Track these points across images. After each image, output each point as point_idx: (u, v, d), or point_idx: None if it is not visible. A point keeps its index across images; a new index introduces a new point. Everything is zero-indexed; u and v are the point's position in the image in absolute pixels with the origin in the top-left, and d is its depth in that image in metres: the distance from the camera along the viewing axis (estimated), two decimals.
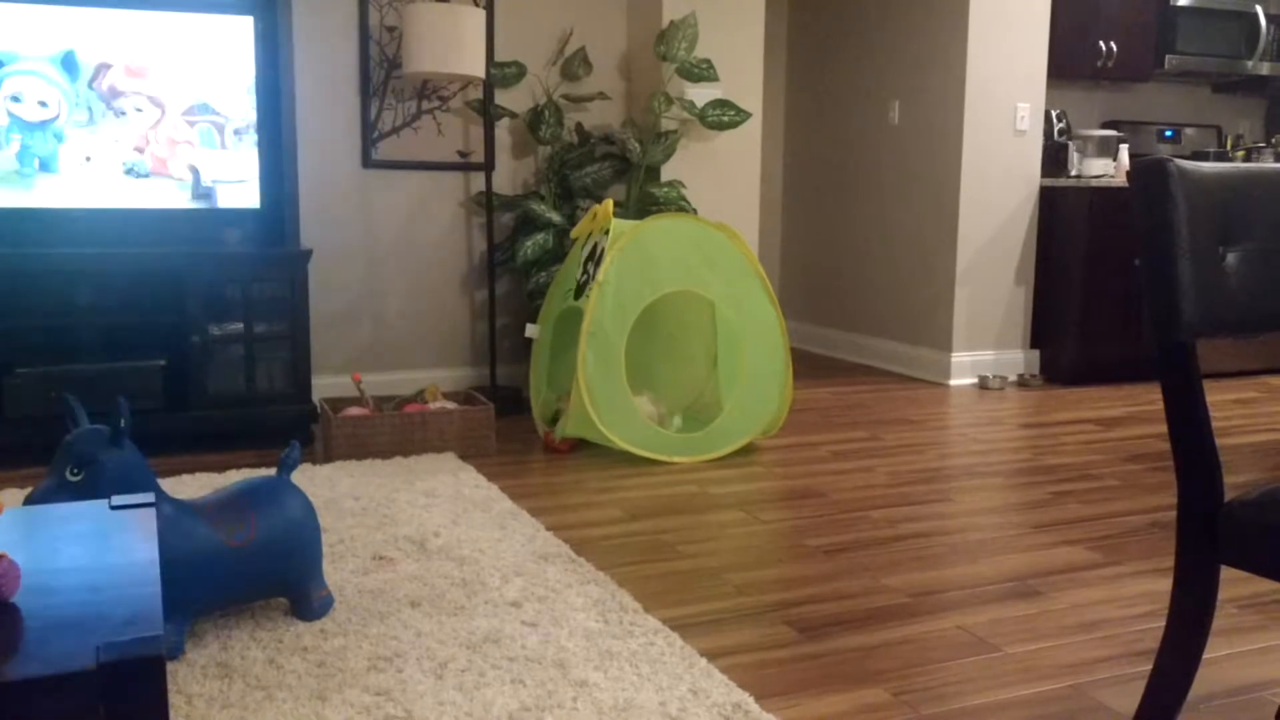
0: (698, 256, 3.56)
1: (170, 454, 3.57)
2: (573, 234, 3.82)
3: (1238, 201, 1.56)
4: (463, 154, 4.45)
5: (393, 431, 3.56)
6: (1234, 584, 2.49)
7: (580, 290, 3.57)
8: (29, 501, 1.87)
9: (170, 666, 1.98)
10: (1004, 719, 1.86)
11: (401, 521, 2.84)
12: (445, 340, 4.53)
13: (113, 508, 1.39)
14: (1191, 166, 1.51)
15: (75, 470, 1.91)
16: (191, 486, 3.17)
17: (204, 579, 2.02)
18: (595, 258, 3.55)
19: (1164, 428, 4.19)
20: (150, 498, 1.43)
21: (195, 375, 3.57)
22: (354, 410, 3.61)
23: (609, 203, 3.64)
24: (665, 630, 2.16)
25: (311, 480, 3.22)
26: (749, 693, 1.91)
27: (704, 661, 2.02)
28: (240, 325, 3.64)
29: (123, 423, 1.94)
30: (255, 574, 2.09)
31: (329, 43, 4.20)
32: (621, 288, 3.46)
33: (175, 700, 1.85)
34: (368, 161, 4.31)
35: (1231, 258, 1.56)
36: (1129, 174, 1.55)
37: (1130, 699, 1.94)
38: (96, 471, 1.91)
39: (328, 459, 3.50)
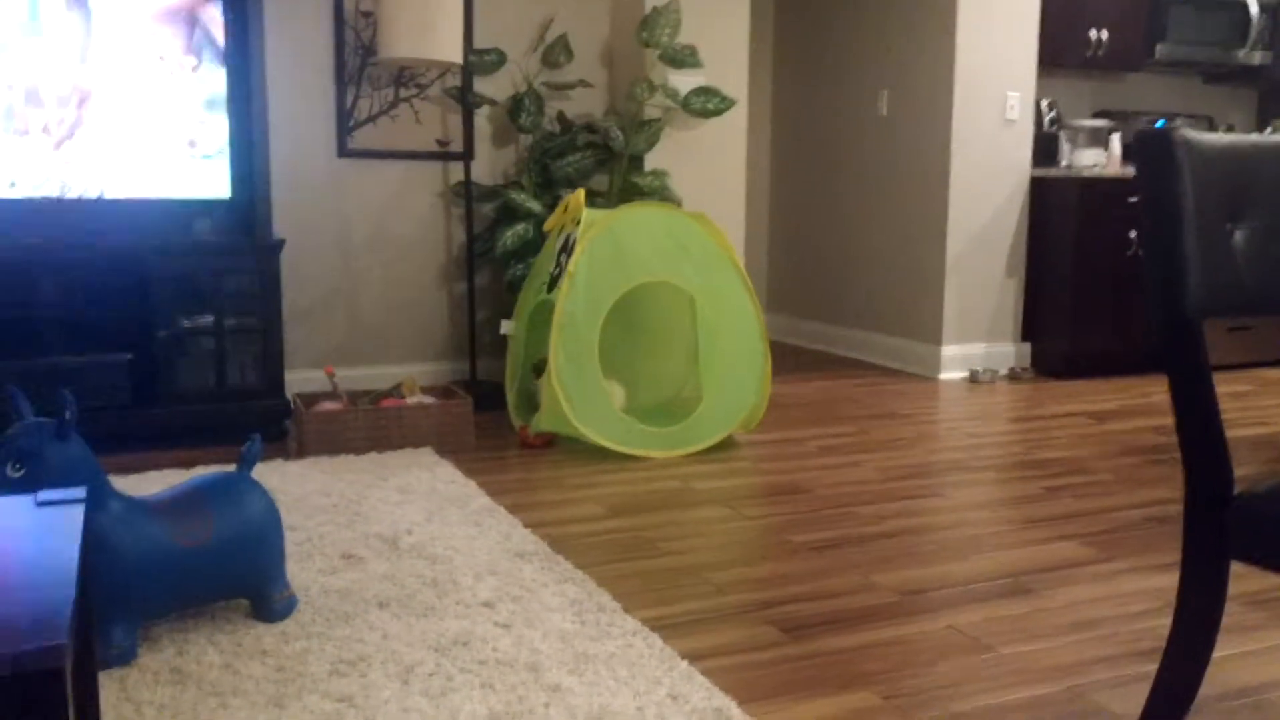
0: (672, 246, 3.46)
1: (137, 451, 3.46)
2: (545, 227, 3.72)
3: (1246, 175, 1.47)
4: (441, 143, 4.34)
5: (367, 427, 3.46)
6: (1238, 580, 2.41)
7: (553, 283, 3.47)
8: None
9: (120, 672, 1.87)
10: None
11: (373, 519, 2.74)
12: (423, 333, 4.42)
13: (39, 504, 1.28)
14: (1199, 137, 1.42)
15: (17, 465, 1.80)
16: (157, 483, 3.06)
17: (156, 580, 1.91)
18: (567, 249, 3.45)
19: (1159, 420, 4.11)
20: (81, 493, 1.32)
21: (163, 370, 3.46)
22: (327, 405, 3.51)
23: (580, 193, 3.54)
24: (644, 631, 2.06)
25: (282, 477, 3.11)
26: (731, 697, 1.81)
27: (684, 664, 1.92)
28: (210, 318, 3.53)
29: (68, 415, 1.84)
30: (212, 575, 1.99)
31: (302, 28, 4.09)
32: (593, 279, 3.36)
33: (123, 709, 1.74)
34: (343, 150, 4.20)
35: (1239, 234, 1.46)
36: (1134, 143, 1.45)
37: (1131, 701, 1.85)
38: (39, 467, 1.81)
39: (300, 455, 3.39)
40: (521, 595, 2.24)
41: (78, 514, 1.25)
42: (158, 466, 3.27)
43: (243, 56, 3.64)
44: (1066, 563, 2.54)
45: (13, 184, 3.40)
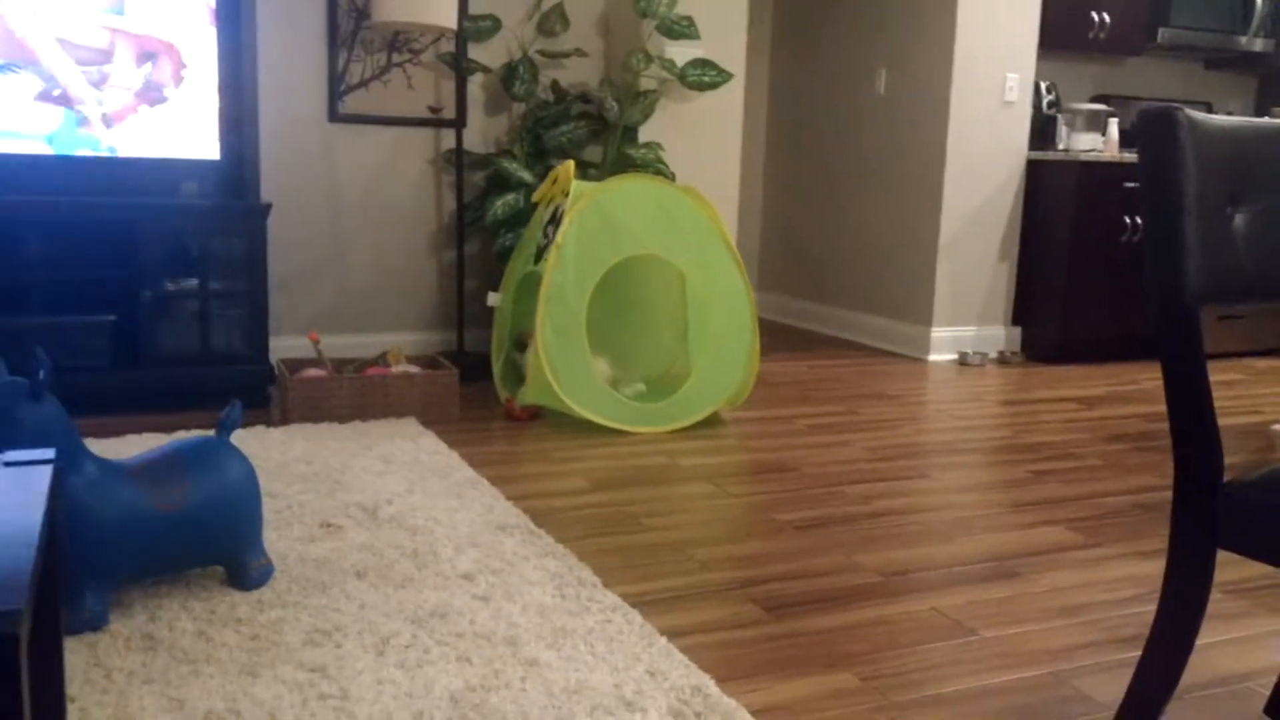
0: (662, 219, 3.42)
1: (118, 414, 3.42)
2: (534, 198, 3.68)
3: (1249, 158, 1.44)
4: (433, 109, 4.28)
5: (352, 395, 3.42)
6: (1222, 568, 2.39)
7: (540, 255, 3.43)
8: None
9: (91, 638, 1.84)
10: (980, 707, 1.76)
11: (354, 488, 2.71)
12: (411, 302, 4.38)
13: (5, 465, 1.25)
14: (1202, 118, 1.38)
15: None
16: (138, 446, 3.02)
17: (129, 544, 1.88)
18: (556, 221, 3.41)
19: (1147, 407, 4.10)
20: (50, 454, 1.29)
21: (146, 332, 3.41)
22: (311, 372, 3.47)
23: (569, 164, 3.49)
24: (624, 607, 2.04)
25: (263, 443, 3.08)
26: (710, 675, 1.79)
27: (664, 641, 1.90)
28: (195, 281, 3.48)
29: (41, 375, 1.80)
30: (187, 540, 1.96)
31: None
32: (581, 251, 3.32)
33: (93, 674, 1.72)
34: (334, 115, 4.15)
35: (1239, 218, 1.44)
36: (1136, 121, 1.42)
37: (1113, 687, 1.84)
38: (12, 427, 1.77)
39: (283, 422, 3.36)
40: (501, 568, 2.21)
41: (45, 475, 1.21)
42: (138, 430, 3.23)
43: (234, 16, 3.58)
44: (1052, 547, 2.53)
45: None
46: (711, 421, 3.58)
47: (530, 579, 2.16)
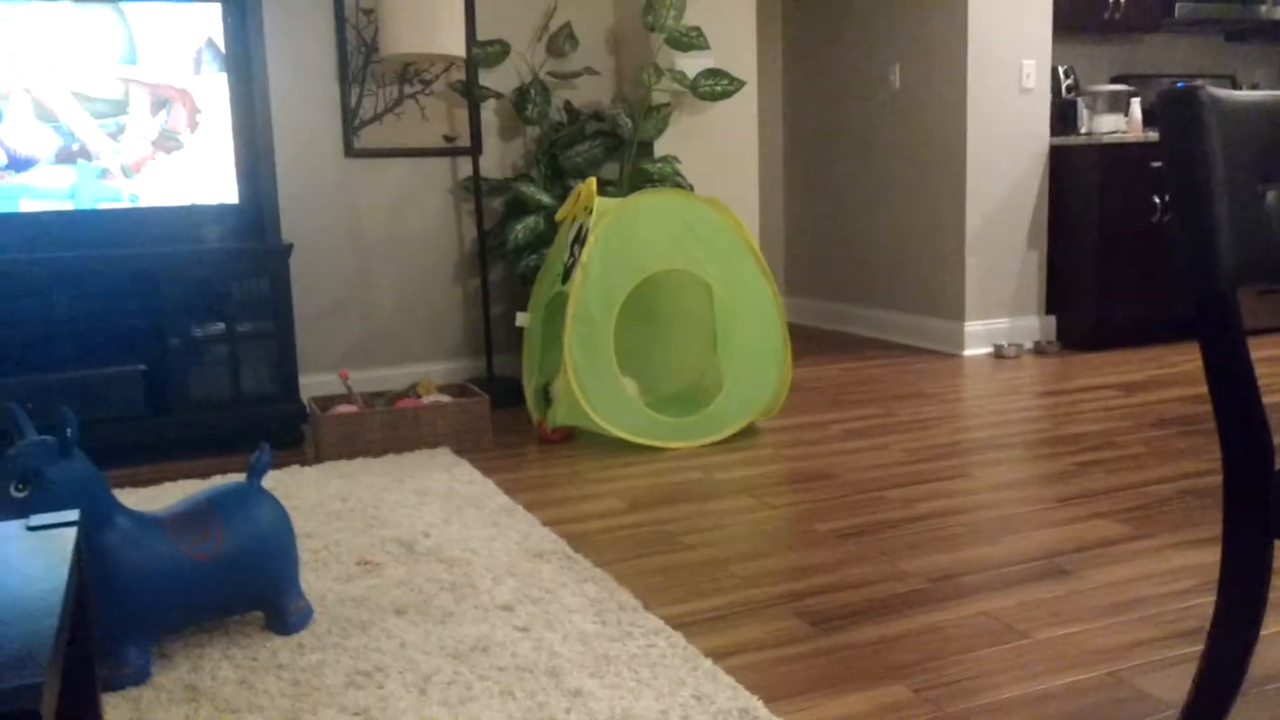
0: (686, 232, 3.39)
1: (154, 462, 3.44)
2: (557, 217, 3.67)
3: (1278, 134, 1.40)
4: (448, 138, 4.29)
5: (384, 428, 3.42)
6: None
7: (567, 274, 3.41)
8: None
9: (135, 692, 1.84)
10: (1037, 713, 1.71)
11: (390, 523, 2.70)
12: (438, 331, 4.38)
13: (30, 528, 1.24)
14: (1226, 94, 1.34)
15: (20, 486, 1.77)
16: (175, 495, 3.03)
17: (166, 596, 1.87)
18: (580, 239, 3.39)
19: (1190, 390, 4.01)
20: (74, 516, 1.28)
21: (177, 379, 3.43)
22: (342, 408, 3.47)
23: (591, 181, 3.48)
24: (667, 630, 2.01)
25: (298, 483, 3.08)
26: (757, 696, 1.75)
27: (709, 663, 1.87)
28: (221, 325, 3.49)
29: (69, 432, 1.80)
30: (223, 588, 1.95)
31: (303, 28, 4.04)
32: (606, 269, 3.30)
33: None
34: (350, 150, 4.16)
35: (1273, 195, 1.39)
36: (1156, 104, 1.38)
37: (1176, 684, 1.78)
38: (43, 486, 1.77)
39: (317, 460, 3.36)
40: (540, 597, 2.19)
41: (69, 538, 1.20)
42: (173, 478, 3.24)
43: (244, 60, 3.60)
44: (1102, 541, 2.47)
45: (21, 198, 3.37)
46: (746, 432, 3.54)
47: (570, 606, 2.14)
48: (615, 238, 3.33)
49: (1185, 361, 4.58)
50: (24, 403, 3.25)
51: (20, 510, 1.76)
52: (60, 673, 0.99)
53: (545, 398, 3.67)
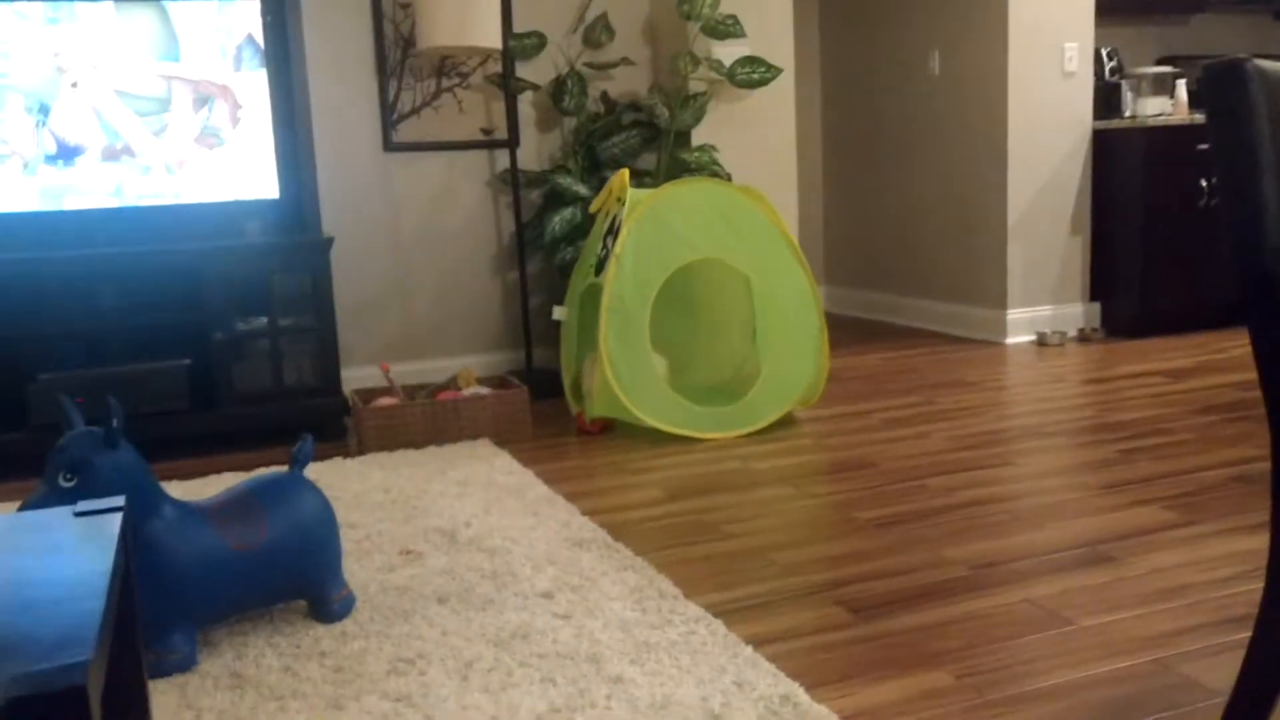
0: (720, 222, 3.38)
1: (199, 455, 3.48)
2: (591, 209, 3.67)
3: None
4: (486, 131, 4.30)
5: (424, 420, 3.44)
6: None
7: (601, 266, 3.41)
8: (22, 511, 1.76)
9: (181, 679, 1.86)
10: (1081, 700, 1.69)
11: (432, 513, 2.72)
12: (478, 324, 4.40)
13: (77, 514, 1.26)
14: (1273, 66, 1.31)
15: (68, 476, 1.80)
16: (219, 487, 3.07)
17: (210, 585, 1.90)
18: (614, 230, 3.39)
19: (1237, 376, 3.94)
20: (119, 502, 1.30)
21: (221, 373, 3.47)
22: (384, 401, 3.50)
23: (624, 173, 3.47)
24: (707, 617, 2.00)
25: (341, 474, 3.11)
26: (798, 682, 1.75)
27: (749, 650, 1.86)
28: (264, 319, 3.53)
29: (115, 423, 1.83)
30: (267, 577, 1.97)
31: (340, 24, 4.07)
32: (639, 261, 3.29)
33: (183, 715, 1.74)
34: (388, 144, 4.18)
35: None
36: (1200, 79, 1.35)
37: (1222, 672, 1.75)
38: (90, 476, 1.80)
39: (360, 452, 3.39)
40: (581, 585, 2.19)
41: (115, 523, 1.22)
42: (219, 470, 3.29)
43: (283, 56, 3.64)
44: (1147, 528, 2.43)
45: (67, 196, 3.43)
46: (785, 422, 3.53)
47: (610, 594, 2.14)
48: (648, 228, 3.32)
49: (1235, 347, 4.50)
50: (73, 396, 3.31)
51: (68, 499, 1.79)
52: (107, 654, 1.01)
53: (578, 390, 3.68)
